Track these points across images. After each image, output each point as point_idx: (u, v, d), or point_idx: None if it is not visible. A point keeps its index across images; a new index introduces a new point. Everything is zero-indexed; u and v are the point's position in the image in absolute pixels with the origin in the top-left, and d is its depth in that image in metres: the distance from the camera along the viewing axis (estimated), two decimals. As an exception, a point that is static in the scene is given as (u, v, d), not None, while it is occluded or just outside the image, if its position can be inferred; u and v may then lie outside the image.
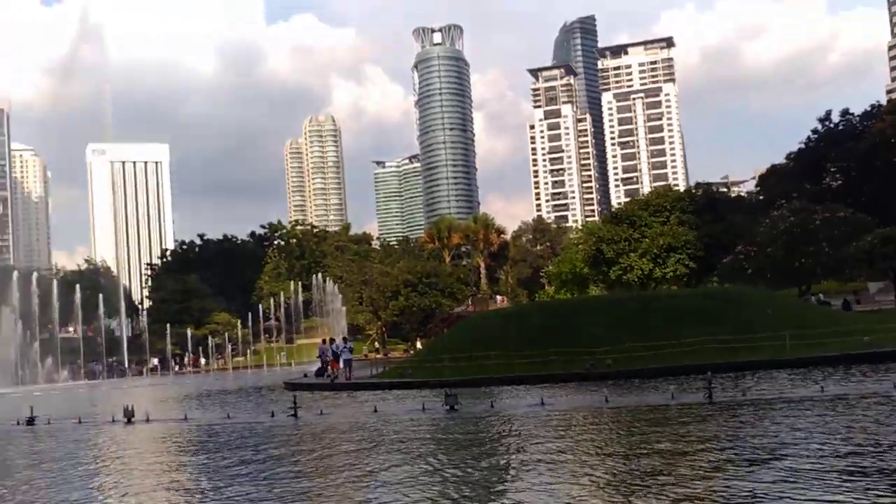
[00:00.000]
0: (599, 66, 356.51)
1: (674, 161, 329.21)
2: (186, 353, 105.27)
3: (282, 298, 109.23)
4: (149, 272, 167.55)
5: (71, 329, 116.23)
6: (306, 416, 25.68)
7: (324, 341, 48.93)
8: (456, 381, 33.30)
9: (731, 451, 14.06)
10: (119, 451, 21.30)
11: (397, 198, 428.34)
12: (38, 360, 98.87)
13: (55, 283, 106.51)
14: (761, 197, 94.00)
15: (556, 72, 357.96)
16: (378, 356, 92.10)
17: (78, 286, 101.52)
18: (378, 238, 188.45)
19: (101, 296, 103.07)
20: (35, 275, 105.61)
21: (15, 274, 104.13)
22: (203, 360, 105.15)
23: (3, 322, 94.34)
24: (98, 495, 14.09)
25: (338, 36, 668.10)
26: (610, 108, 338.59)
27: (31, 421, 30.04)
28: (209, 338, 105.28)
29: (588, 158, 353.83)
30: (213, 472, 15.68)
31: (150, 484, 15.14)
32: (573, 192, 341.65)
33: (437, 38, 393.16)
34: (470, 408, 24.92)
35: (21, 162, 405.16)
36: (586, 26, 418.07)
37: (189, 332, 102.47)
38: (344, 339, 49.43)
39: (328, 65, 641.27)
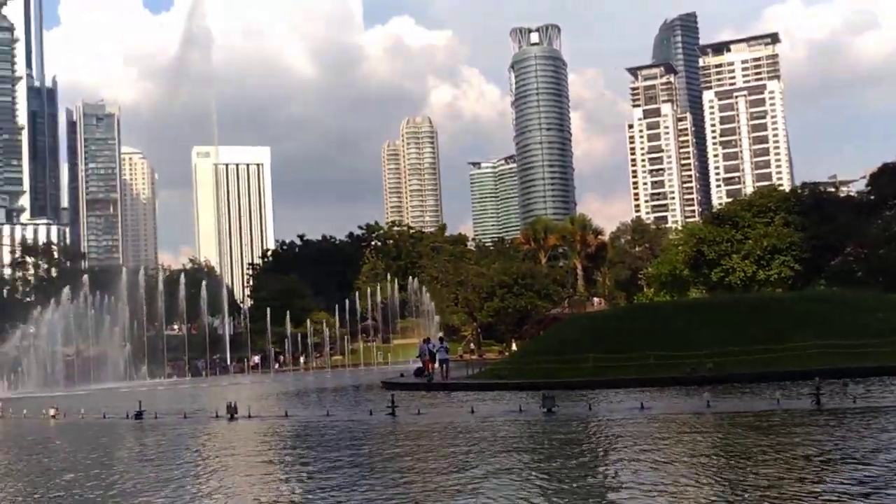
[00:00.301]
0: (701, 63, 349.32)
1: (778, 160, 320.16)
2: (286, 352, 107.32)
3: (379, 298, 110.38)
4: (250, 272, 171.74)
5: (175, 327, 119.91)
6: (404, 415, 25.80)
7: (424, 341, 49.16)
8: (552, 384, 32.97)
9: (841, 461, 13.48)
10: (222, 447, 21.78)
11: (493, 199, 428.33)
12: (144, 357, 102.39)
13: (161, 281, 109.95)
14: (872, 197, 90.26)
15: (655, 70, 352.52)
16: (473, 357, 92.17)
17: (182, 285, 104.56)
18: (473, 239, 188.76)
19: (204, 294, 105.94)
20: (142, 274, 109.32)
21: (123, 273, 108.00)
22: (302, 359, 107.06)
23: (113, 319, 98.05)
24: (202, 489, 14.39)
25: (435, 37, 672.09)
26: (711, 107, 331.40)
27: (139, 415, 31.01)
28: (308, 336, 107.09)
29: (688, 158, 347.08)
30: (312, 468, 15.86)
31: (251, 479, 15.41)
32: (673, 192, 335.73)
33: (535, 37, 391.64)
34: (567, 410, 24.62)
35: (130, 165, 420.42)
36: (687, 24, 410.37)
37: (289, 330, 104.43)
38: (441, 339, 49.57)
39: (425, 66, 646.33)
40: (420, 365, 46.56)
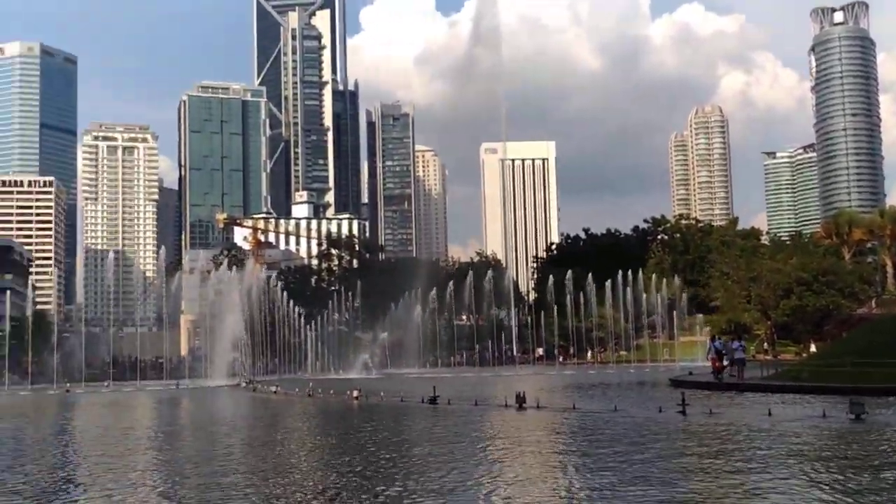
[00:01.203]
0: None
1: None
2: (570, 345, 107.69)
3: (665, 293, 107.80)
4: (535, 265, 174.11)
5: (464, 317, 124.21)
6: (695, 414, 24.88)
7: (711, 339, 47.27)
8: (860, 389, 30.37)
9: None
10: (512, 434, 22.13)
11: (789, 190, 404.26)
12: (436, 345, 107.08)
13: (451, 274, 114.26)
14: None
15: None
16: (767, 357, 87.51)
17: (471, 277, 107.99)
18: (767, 233, 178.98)
19: (491, 287, 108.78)
20: (433, 266, 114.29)
21: (417, 265, 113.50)
22: (588, 353, 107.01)
23: (407, 309, 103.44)
24: (491, 476, 14.64)
25: (725, 23, 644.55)
26: None
27: (433, 400, 32.36)
28: (592, 331, 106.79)
29: None
30: (601, 462, 15.64)
31: (539, 468, 15.47)
32: None
33: (839, 17, 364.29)
34: (879, 418, 22.56)
35: (423, 162, 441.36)
36: None
37: (573, 324, 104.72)
38: (738, 336, 47.46)
39: (714, 54, 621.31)
40: (720, 364, 44.49)
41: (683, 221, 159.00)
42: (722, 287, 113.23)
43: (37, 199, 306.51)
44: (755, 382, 39.33)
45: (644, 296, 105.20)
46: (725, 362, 42.26)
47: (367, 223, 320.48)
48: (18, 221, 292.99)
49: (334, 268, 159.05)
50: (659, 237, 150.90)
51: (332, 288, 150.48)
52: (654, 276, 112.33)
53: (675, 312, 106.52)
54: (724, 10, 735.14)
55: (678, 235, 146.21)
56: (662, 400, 30.91)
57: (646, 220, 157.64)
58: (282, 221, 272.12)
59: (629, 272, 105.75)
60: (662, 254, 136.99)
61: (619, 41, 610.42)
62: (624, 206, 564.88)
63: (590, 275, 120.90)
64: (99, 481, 15.65)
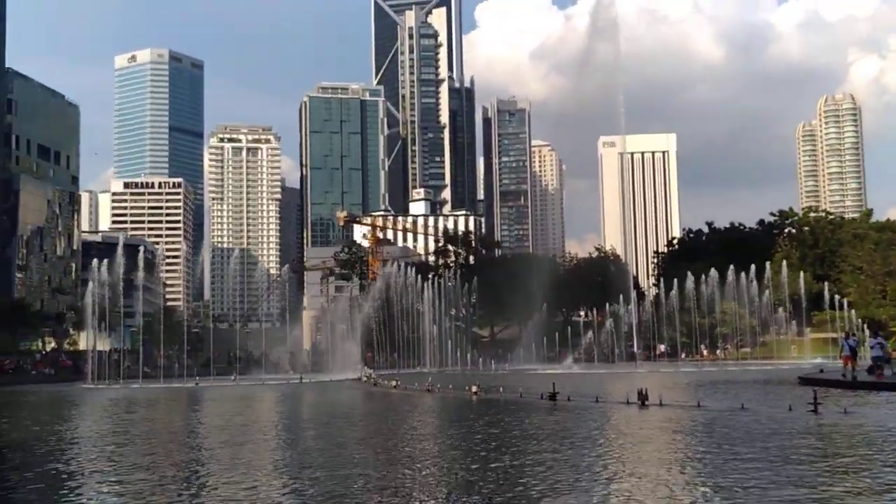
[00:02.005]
0: None
1: None
2: (694, 342, 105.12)
3: (793, 289, 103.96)
4: (655, 260, 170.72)
5: (582, 313, 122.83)
6: (828, 414, 23.74)
7: (844, 336, 45.16)
8: None
9: None
10: (634, 433, 21.58)
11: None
12: (555, 342, 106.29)
13: (568, 269, 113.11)
14: None
15: None
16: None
17: (589, 273, 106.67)
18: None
19: (610, 282, 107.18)
20: (551, 262, 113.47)
21: (534, 261, 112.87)
22: (711, 350, 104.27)
23: (525, 305, 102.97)
24: (608, 474, 14.25)
25: (857, 6, 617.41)
26: None
27: (552, 396, 31.97)
28: (716, 327, 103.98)
29: None
30: (726, 462, 15.00)
31: (658, 468, 14.97)
32: None
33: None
34: None
35: (539, 157, 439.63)
36: None
37: (695, 320, 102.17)
38: (876, 333, 45.31)
39: (845, 39, 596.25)
40: (871, 363, 42.43)
41: (812, 214, 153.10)
42: (855, 282, 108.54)
43: (166, 200, 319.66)
44: (892, 381, 37.39)
45: (770, 291, 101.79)
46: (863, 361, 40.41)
47: (483, 219, 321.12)
48: (150, 221, 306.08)
49: (451, 264, 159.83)
50: (786, 231, 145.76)
51: (449, 284, 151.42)
52: (780, 270, 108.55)
53: (802, 308, 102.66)
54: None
55: (807, 229, 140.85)
56: (792, 398, 29.69)
57: (772, 213, 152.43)
58: (399, 218, 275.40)
59: (754, 267, 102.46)
60: (790, 248, 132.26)
61: (742, 29, 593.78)
62: (748, 199, 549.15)
63: (713, 269, 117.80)
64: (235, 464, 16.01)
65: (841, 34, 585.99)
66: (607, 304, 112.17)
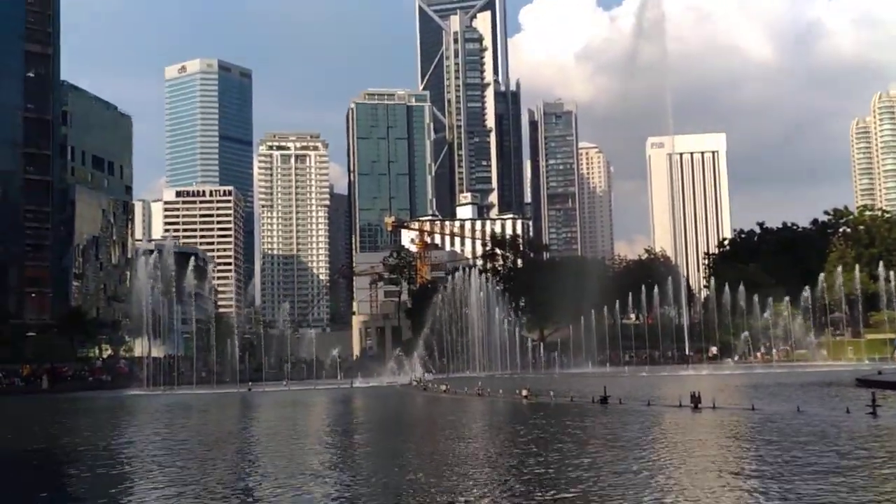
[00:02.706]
0: None
1: None
2: (747, 344, 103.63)
3: (850, 289, 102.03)
4: (706, 261, 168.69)
5: (633, 316, 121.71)
6: (887, 416, 23.28)
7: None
8: None
9: None
10: (687, 436, 21.37)
11: None
12: (605, 344, 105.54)
13: (618, 272, 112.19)
14: None
15: None
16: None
17: (639, 275, 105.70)
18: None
19: (660, 284, 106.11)
20: (600, 264, 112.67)
21: (583, 263, 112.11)
22: (763, 352, 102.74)
23: (574, 308, 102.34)
24: (661, 480, 14.13)
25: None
26: None
27: (604, 400, 31.78)
28: (770, 329, 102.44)
29: None
30: (780, 466, 14.79)
31: (709, 472, 14.81)
32: None
33: None
34: None
35: (587, 159, 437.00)
36: None
37: (747, 322, 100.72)
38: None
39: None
40: None
41: (868, 213, 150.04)
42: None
43: (217, 208, 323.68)
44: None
45: (825, 291, 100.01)
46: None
47: (530, 223, 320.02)
48: (202, 229, 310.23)
49: (499, 268, 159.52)
50: (841, 230, 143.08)
51: (498, 288, 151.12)
52: (836, 270, 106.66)
53: (859, 308, 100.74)
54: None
55: (862, 228, 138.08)
56: (849, 400, 29.18)
57: (826, 213, 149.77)
58: (447, 223, 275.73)
59: (809, 266, 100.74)
60: (845, 247, 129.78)
61: (791, 26, 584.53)
62: (800, 199, 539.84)
63: (765, 270, 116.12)
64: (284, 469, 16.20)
65: (895, 30, 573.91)
66: (658, 307, 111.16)
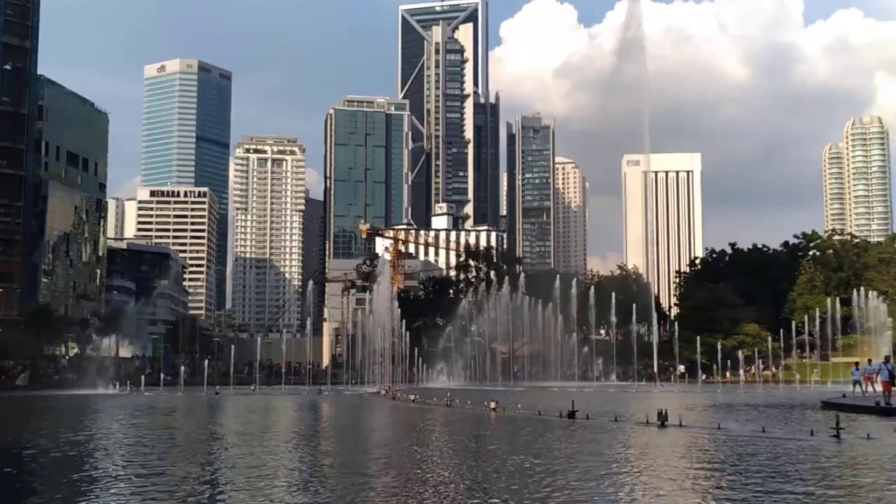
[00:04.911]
0: None
1: None
2: (714, 363, 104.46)
3: (816, 312, 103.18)
4: (677, 280, 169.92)
5: (602, 332, 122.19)
6: (850, 439, 23.55)
7: (885, 361, 44.55)
8: None
9: None
10: (652, 453, 21.51)
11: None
12: (574, 359, 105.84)
13: (590, 287, 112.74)
14: None
15: None
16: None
17: (611, 291, 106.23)
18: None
19: (632, 301, 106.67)
20: (574, 279, 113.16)
21: (555, 278, 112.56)
22: (731, 373, 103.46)
23: (544, 322, 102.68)
24: (622, 497, 14.21)
25: (886, 30, 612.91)
26: None
27: (571, 415, 31.89)
28: (737, 349, 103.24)
29: None
30: (743, 486, 14.93)
31: (675, 490, 14.92)
32: None
33: None
34: None
35: (563, 174, 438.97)
36: None
37: (718, 342, 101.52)
38: (886, 358, 44.79)
39: (873, 62, 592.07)
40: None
41: (837, 237, 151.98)
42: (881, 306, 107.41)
43: (192, 209, 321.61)
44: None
45: (793, 313, 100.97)
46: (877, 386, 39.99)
47: (505, 235, 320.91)
48: (175, 230, 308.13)
49: (472, 279, 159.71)
50: (810, 253, 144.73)
51: (470, 299, 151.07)
52: (804, 293, 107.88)
53: (828, 331, 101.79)
54: (885, 16, 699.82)
55: (831, 252, 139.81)
56: (814, 422, 29.49)
57: (796, 236, 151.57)
58: (422, 232, 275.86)
59: (778, 288, 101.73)
60: (814, 271, 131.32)
61: (768, 50, 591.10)
62: (772, 221, 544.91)
63: (735, 290, 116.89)
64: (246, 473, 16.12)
65: (869, 57, 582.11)
66: (628, 323, 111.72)
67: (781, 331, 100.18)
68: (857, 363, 53.45)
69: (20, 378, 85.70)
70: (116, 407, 48.21)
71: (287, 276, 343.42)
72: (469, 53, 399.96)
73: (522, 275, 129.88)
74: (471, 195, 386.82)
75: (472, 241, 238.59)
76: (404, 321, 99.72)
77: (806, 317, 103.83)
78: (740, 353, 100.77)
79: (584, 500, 13.72)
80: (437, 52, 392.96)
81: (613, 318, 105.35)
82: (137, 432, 30.71)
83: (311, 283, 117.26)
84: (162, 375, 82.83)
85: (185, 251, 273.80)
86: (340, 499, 13.96)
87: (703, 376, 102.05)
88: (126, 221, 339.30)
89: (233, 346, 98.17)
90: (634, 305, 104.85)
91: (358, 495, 14.17)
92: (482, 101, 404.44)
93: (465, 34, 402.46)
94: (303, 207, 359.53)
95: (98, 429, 32.46)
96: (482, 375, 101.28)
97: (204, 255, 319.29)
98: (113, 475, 17.39)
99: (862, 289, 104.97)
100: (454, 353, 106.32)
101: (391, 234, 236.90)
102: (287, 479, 16.72)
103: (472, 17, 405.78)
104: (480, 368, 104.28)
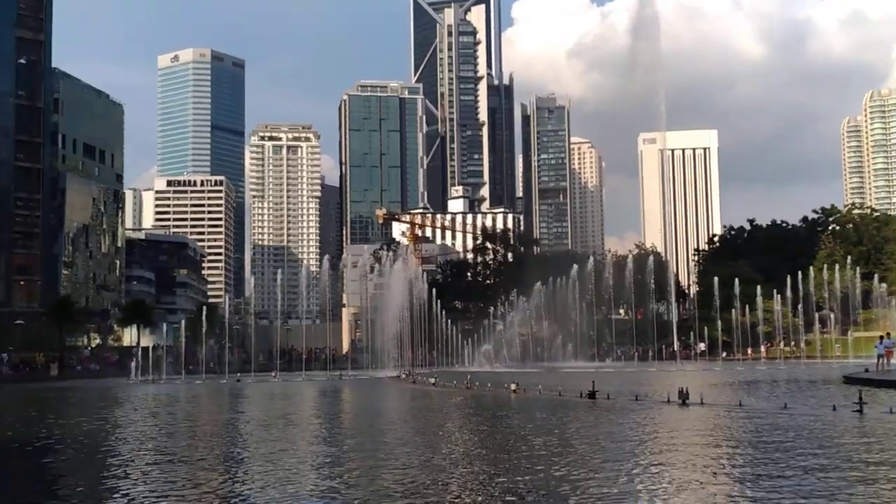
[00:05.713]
0: None
1: None
2: (734, 340, 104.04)
3: (837, 287, 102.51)
4: (696, 257, 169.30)
5: (622, 311, 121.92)
6: (874, 413, 23.40)
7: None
8: None
9: None
10: (673, 432, 21.46)
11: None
12: (594, 340, 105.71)
13: (608, 267, 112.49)
14: None
15: None
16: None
17: (629, 271, 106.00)
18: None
19: (651, 280, 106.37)
20: (591, 260, 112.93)
21: (573, 258, 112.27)
22: (752, 349, 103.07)
23: (563, 303, 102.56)
24: (643, 477, 14.18)
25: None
26: None
27: (591, 395, 31.85)
28: (758, 326, 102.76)
29: None
30: (765, 463, 14.87)
31: (695, 469, 14.87)
32: None
33: None
34: None
35: (579, 154, 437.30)
36: None
37: (737, 319, 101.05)
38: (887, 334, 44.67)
39: (890, 35, 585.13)
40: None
41: (857, 211, 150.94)
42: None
43: (209, 198, 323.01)
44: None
45: (813, 289, 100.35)
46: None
47: (521, 217, 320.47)
48: (192, 219, 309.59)
49: (490, 262, 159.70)
50: (830, 228, 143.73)
51: (488, 281, 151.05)
52: (824, 268, 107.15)
53: (848, 306, 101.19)
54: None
55: (851, 226, 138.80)
56: (836, 398, 29.33)
57: (815, 211, 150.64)
58: (438, 216, 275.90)
59: (797, 264, 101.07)
60: (834, 245, 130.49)
61: (783, 25, 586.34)
62: (791, 196, 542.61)
63: (754, 267, 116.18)
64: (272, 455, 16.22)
65: (885, 30, 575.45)
66: (648, 302, 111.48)
67: (801, 306, 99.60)
68: (881, 336, 53.00)
69: (52, 369, 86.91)
70: (140, 397, 48.65)
71: (305, 262, 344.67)
72: (482, 35, 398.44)
73: (539, 257, 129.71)
74: (486, 177, 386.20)
75: (488, 223, 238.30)
76: (438, 301, 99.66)
77: (827, 292, 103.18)
78: (761, 330, 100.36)
79: (600, 480, 13.71)
80: (449, 34, 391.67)
81: (633, 298, 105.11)
82: (166, 420, 30.95)
83: (327, 266, 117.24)
84: (184, 365, 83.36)
85: (202, 240, 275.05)
86: (361, 478, 14.01)
87: (724, 354, 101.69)
88: (144, 212, 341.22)
89: (252, 334, 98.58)
90: (653, 284, 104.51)
91: (379, 474, 14.21)
92: (496, 82, 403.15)
93: (477, 16, 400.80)
94: (319, 194, 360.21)
95: (137, 417, 32.77)
96: (501, 358, 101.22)
97: (222, 243, 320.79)
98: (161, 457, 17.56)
99: (881, 263, 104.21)
100: (496, 337, 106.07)
101: (408, 218, 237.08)
102: (312, 461, 16.80)
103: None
104: (503, 351, 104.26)
